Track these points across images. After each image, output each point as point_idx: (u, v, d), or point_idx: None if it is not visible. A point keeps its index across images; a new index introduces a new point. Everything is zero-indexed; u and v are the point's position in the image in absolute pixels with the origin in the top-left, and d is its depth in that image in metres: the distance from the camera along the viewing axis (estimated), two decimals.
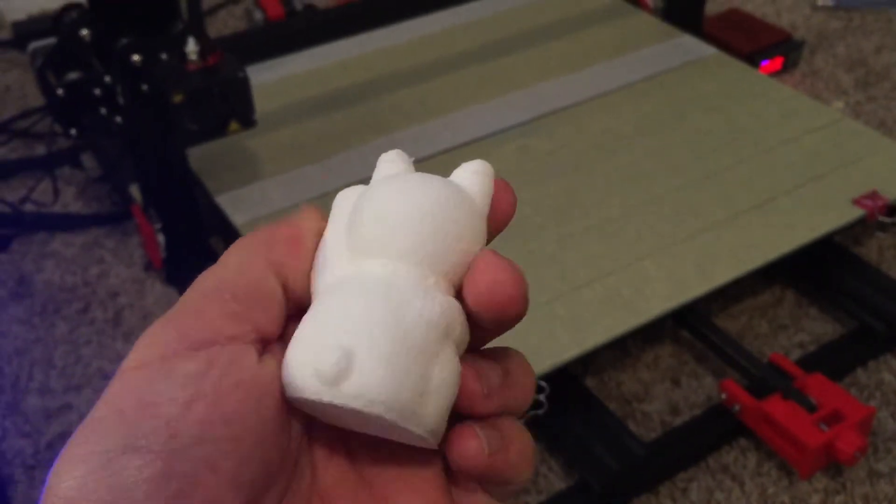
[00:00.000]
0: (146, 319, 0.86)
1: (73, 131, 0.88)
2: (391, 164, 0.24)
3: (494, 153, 0.92)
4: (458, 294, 0.22)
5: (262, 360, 0.21)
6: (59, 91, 0.83)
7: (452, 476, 0.23)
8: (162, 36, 0.77)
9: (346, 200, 0.24)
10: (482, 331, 0.23)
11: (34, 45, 0.90)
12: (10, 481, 0.72)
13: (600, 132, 0.97)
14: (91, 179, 1.03)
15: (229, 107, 0.77)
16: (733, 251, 0.80)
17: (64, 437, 0.75)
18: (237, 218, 0.85)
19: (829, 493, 0.69)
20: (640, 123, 0.98)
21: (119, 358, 0.82)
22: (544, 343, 0.72)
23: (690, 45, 1.12)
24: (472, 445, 0.22)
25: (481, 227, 0.23)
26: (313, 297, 0.23)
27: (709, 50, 1.11)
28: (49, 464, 0.73)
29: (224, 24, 1.34)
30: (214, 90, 0.75)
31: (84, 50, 0.82)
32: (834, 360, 0.78)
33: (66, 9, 0.83)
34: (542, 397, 0.69)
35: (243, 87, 0.77)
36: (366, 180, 0.24)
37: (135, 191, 0.89)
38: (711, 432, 0.73)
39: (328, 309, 0.22)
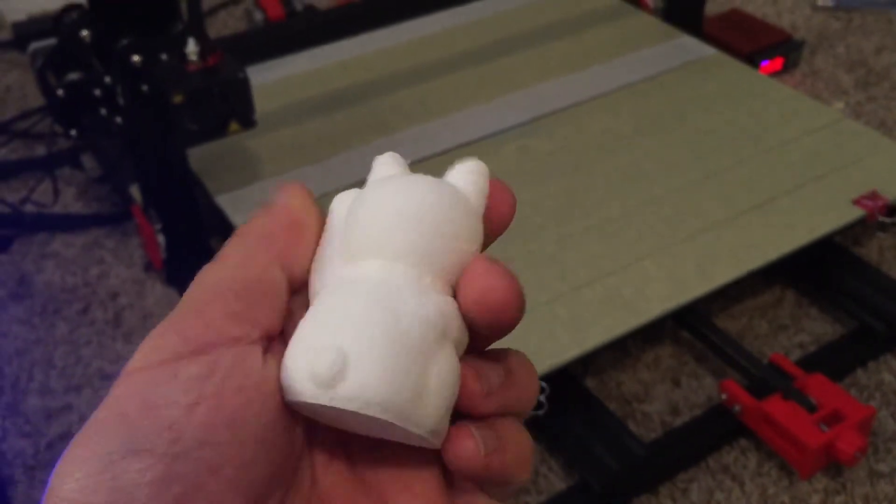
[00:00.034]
0: (146, 320, 0.86)
1: (73, 132, 0.88)
2: (386, 167, 0.24)
3: (494, 153, 0.92)
4: (456, 294, 0.22)
5: (265, 362, 0.21)
6: (60, 91, 0.84)
7: (451, 477, 0.23)
8: (162, 36, 0.77)
9: (342, 203, 0.24)
10: (478, 336, 0.23)
11: (34, 45, 0.90)
12: (10, 482, 0.72)
13: (600, 132, 0.97)
14: (91, 180, 1.03)
15: (229, 107, 0.77)
16: (733, 251, 0.80)
17: (64, 437, 0.75)
18: (237, 218, 0.85)
19: (829, 494, 0.69)
20: (640, 124, 0.98)
21: (119, 358, 0.82)
22: (544, 343, 0.72)
23: (690, 46, 1.12)
24: (467, 446, 0.22)
25: (477, 227, 0.23)
26: (311, 299, 0.23)
27: (709, 50, 1.11)
28: (49, 464, 0.73)
29: (224, 24, 1.34)
30: (214, 90, 0.75)
31: (84, 50, 0.82)
32: (834, 361, 0.78)
33: (66, 9, 0.83)
34: (542, 398, 0.69)
35: (243, 87, 0.77)
36: (366, 181, 0.24)
37: (135, 191, 0.89)
38: (712, 432, 0.73)
39: (323, 311, 0.22)
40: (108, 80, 0.82)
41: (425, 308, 0.21)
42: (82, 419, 0.77)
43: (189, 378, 0.20)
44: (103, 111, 0.84)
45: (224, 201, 0.88)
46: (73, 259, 0.94)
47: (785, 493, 0.70)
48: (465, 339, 0.22)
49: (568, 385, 0.75)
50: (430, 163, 0.86)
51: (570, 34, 1.15)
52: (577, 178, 0.91)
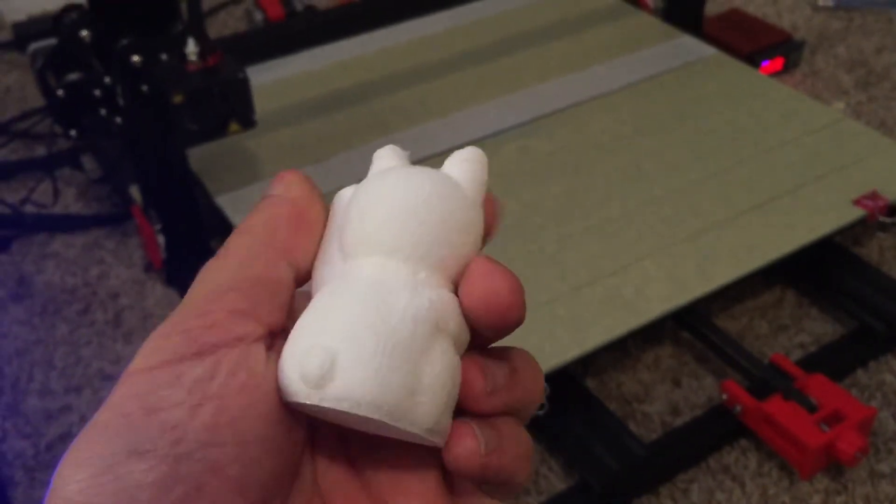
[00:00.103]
0: (146, 320, 0.86)
1: (73, 132, 0.88)
2: (385, 160, 0.24)
3: (494, 154, 0.92)
4: (458, 294, 0.22)
5: (268, 359, 0.21)
6: (60, 92, 0.84)
7: (451, 478, 0.23)
8: (162, 37, 0.77)
9: (341, 200, 0.24)
10: (479, 337, 0.22)
11: (34, 46, 0.90)
12: (10, 482, 0.72)
13: (600, 132, 0.97)
14: (91, 180, 1.03)
15: (229, 107, 0.77)
16: (734, 251, 0.80)
17: (64, 438, 0.75)
18: (237, 219, 0.85)
19: (829, 494, 0.69)
20: (641, 124, 0.98)
21: (119, 359, 0.82)
22: (544, 343, 0.72)
23: (691, 46, 1.12)
24: (467, 445, 0.21)
25: (473, 217, 0.22)
26: (312, 295, 0.23)
27: (709, 50, 1.11)
28: (49, 465, 0.73)
29: (224, 24, 1.34)
30: (214, 91, 0.75)
31: (84, 51, 0.82)
32: (834, 361, 0.78)
33: (66, 10, 0.83)
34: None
35: (243, 87, 0.77)
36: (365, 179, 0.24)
37: (135, 192, 0.89)
38: (712, 433, 0.73)
39: (316, 311, 0.21)
40: (107, 80, 0.82)
41: (417, 304, 0.21)
42: (82, 420, 0.77)
43: (192, 379, 0.20)
44: (103, 111, 0.84)
45: (224, 201, 0.88)
46: (73, 259, 0.94)
47: (785, 494, 0.69)
48: (465, 335, 0.22)
49: (568, 385, 0.75)
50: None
51: (570, 34, 1.15)
52: (578, 179, 0.91)
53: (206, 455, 0.19)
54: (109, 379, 0.81)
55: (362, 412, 0.20)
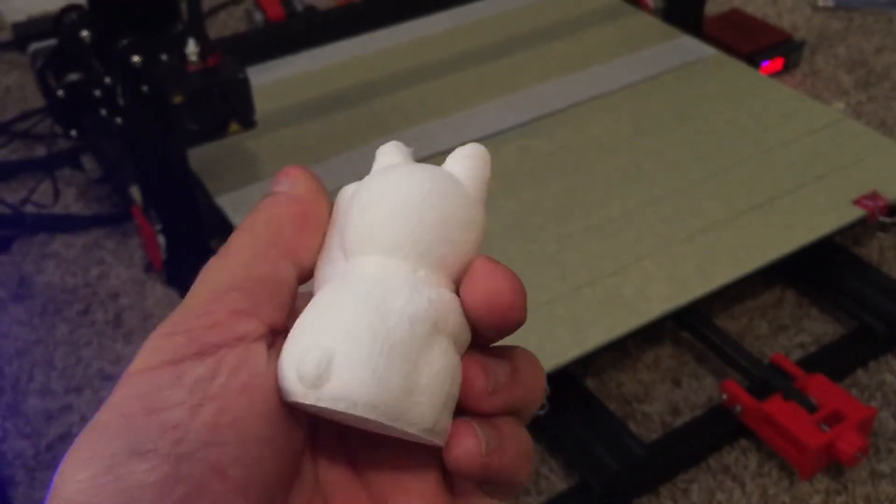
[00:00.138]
0: (147, 321, 0.86)
1: (73, 132, 0.88)
2: (389, 156, 0.24)
3: (495, 154, 0.91)
4: (459, 294, 0.22)
5: (269, 358, 0.21)
6: (60, 92, 0.84)
7: (451, 478, 0.23)
8: (162, 37, 0.77)
9: (344, 197, 0.23)
10: (481, 337, 0.22)
11: (34, 46, 0.90)
12: (10, 482, 0.72)
13: (600, 133, 0.97)
14: (91, 180, 1.03)
15: (229, 107, 0.77)
16: (734, 251, 0.80)
17: (64, 438, 0.75)
18: (237, 219, 0.85)
19: (830, 494, 0.69)
20: (641, 124, 0.98)
21: (119, 359, 0.82)
22: (544, 343, 0.72)
23: (691, 46, 1.12)
24: (468, 444, 0.21)
25: (473, 214, 0.22)
26: (314, 294, 0.23)
27: (709, 50, 1.11)
28: (50, 465, 0.73)
29: (224, 25, 1.34)
30: (214, 91, 0.75)
31: (84, 51, 0.82)
32: (835, 361, 0.78)
33: (66, 10, 0.83)
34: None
35: (243, 87, 0.77)
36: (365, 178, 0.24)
37: (135, 192, 0.89)
38: (712, 433, 0.73)
39: (314, 311, 0.21)
40: (108, 80, 0.82)
41: (416, 303, 0.21)
42: (83, 420, 0.77)
43: (193, 379, 0.20)
44: (103, 112, 0.84)
45: (224, 202, 0.88)
46: (73, 260, 0.94)
47: (786, 494, 0.69)
48: (466, 335, 0.22)
49: (568, 385, 0.75)
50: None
51: (570, 34, 1.15)
52: (578, 179, 0.91)
53: (208, 455, 0.19)
54: (110, 379, 0.81)
55: (359, 412, 0.20)
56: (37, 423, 0.77)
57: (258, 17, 1.26)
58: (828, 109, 1.00)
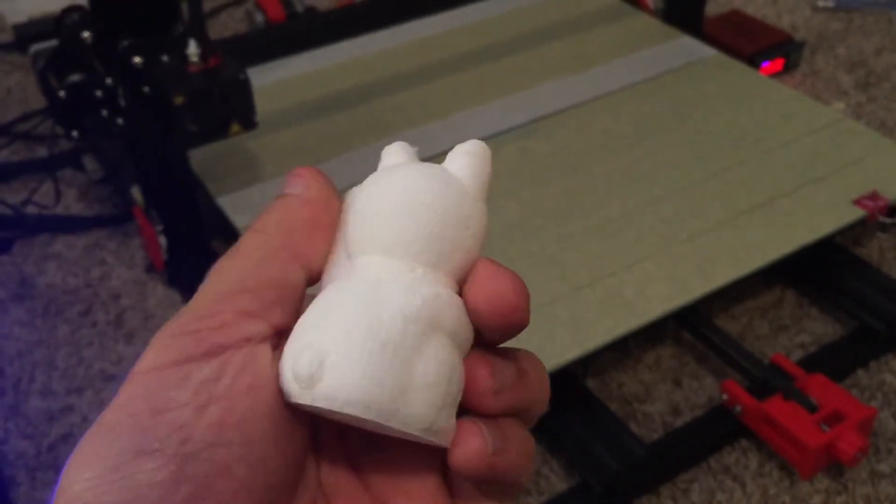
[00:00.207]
0: (148, 321, 0.86)
1: (74, 133, 0.88)
2: (393, 157, 0.24)
3: (495, 154, 0.91)
4: (463, 296, 0.22)
5: (273, 360, 0.21)
6: (61, 93, 0.84)
7: (451, 482, 0.23)
8: (163, 38, 0.77)
9: (351, 199, 0.24)
10: (484, 339, 0.22)
11: (36, 47, 0.90)
12: (12, 483, 0.72)
13: (601, 133, 0.97)
14: (92, 181, 1.03)
15: (230, 108, 0.77)
16: (734, 252, 0.81)
17: (66, 438, 0.75)
18: (238, 220, 0.85)
19: (830, 494, 0.69)
20: (641, 124, 0.99)
21: (121, 360, 0.82)
22: (545, 344, 0.72)
23: (691, 47, 1.12)
24: (473, 444, 0.21)
25: (471, 211, 0.22)
26: None
27: (709, 51, 1.11)
28: (51, 466, 0.73)
29: (224, 26, 1.34)
30: (215, 92, 0.75)
31: (85, 52, 0.82)
32: (835, 361, 0.78)
33: (67, 11, 0.83)
34: None
35: (244, 88, 0.77)
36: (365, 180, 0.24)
37: (136, 192, 0.89)
38: (713, 433, 0.73)
39: (312, 311, 0.22)
40: (109, 81, 0.82)
41: (409, 302, 0.21)
42: (84, 420, 0.77)
43: (199, 380, 0.20)
44: (104, 112, 0.84)
45: (225, 202, 0.88)
46: (74, 260, 0.94)
47: (786, 494, 0.70)
48: (467, 333, 0.22)
49: (569, 385, 0.75)
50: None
51: (570, 35, 1.15)
52: (578, 179, 0.91)
53: (213, 455, 0.19)
54: (111, 379, 0.81)
55: (352, 411, 0.20)
56: (38, 424, 0.77)
57: (259, 17, 1.26)
58: (828, 110, 1.00)
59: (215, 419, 0.20)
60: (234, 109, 0.77)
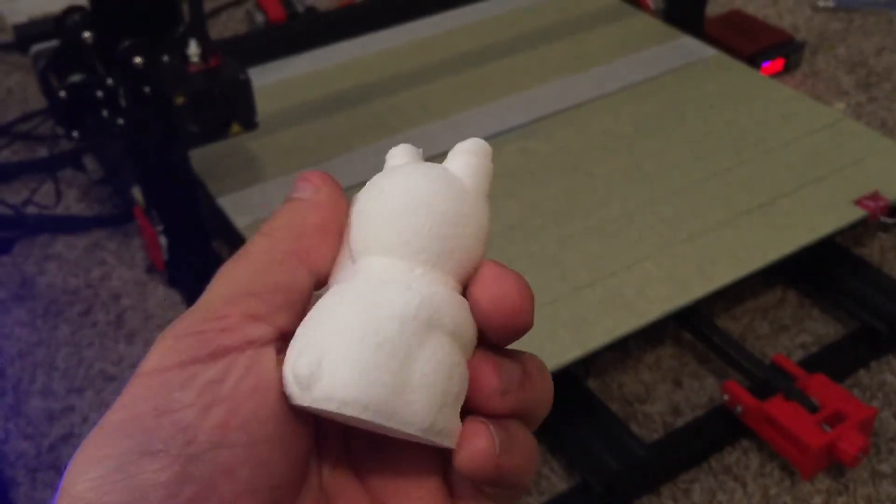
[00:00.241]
0: (148, 321, 0.86)
1: (75, 133, 0.88)
2: (396, 159, 0.24)
3: (495, 155, 0.91)
4: (468, 297, 0.22)
5: (277, 363, 0.21)
6: (62, 93, 0.84)
7: (451, 486, 0.23)
8: (164, 38, 0.77)
9: (356, 200, 0.24)
10: (489, 342, 0.22)
11: (36, 47, 0.90)
12: (12, 483, 0.72)
13: (601, 133, 0.97)
14: (93, 181, 1.03)
15: (231, 109, 0.77)
16: (734, 252, 0.80)
17: (66, 439, 0.75)
18: (239, 220, 0.86)
19: (831, 494, 0.69)
20: (641, 124, 0.99)
21: (121, 360, 0.82)
22: (546, 344, 0.72)
23: (691, 47, 1.12)
24: (482, 444, 0.21)
25: (471, 210, 0.22)
26: None
27: (710, 51, 1.11)
28: (51, 466, 0.73)
29: (225, 26, 1.34)
30: (216, 92, 0.75)
31: (86, 52, 0.82)
32: (836, 361, 0.78)
33: (68, 11, 0.83)
34: None
35: (245, 88, 0.77)
36: (367, 182, 0.24)
37: (137, 193, 0.89)
38: (713, 433, 0.73)
39: (313, 313, 0.22)
40: (109, 81, 0.82)
41: (406, 301, 0.21)
42: (85, 421, 0.77)
43: (204, 381, 0.20)
44: (105, 113, 0.84)
45: (226, 203, 0.88)
46: (75, 261, 0.94)
47: (787, 494, 0.70)
48: (470, 333, 0.22)
49: (569, 386, 0.75)
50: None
51: (570, 35, 1.15)
52: (578, 179, 0.91)
53: (217, 456, 0.20)
54: (111, 380, 0.81)
55: (350, 412, 0.20)
56: (39, 424, 0.77)
57: (259, 18, 1.26)
58: (828, 110, 1.00)
59: (219, 420, 0.20)
60: (235, 110, 0.77)
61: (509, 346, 0.23)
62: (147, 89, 0.76)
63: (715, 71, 1.07)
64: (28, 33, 1.25)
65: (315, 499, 0.22)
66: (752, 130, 0.97)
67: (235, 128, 0.79)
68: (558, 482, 0.71)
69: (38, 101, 1.13)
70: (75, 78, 0.83)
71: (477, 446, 0.21)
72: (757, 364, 0.75)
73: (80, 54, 0.82)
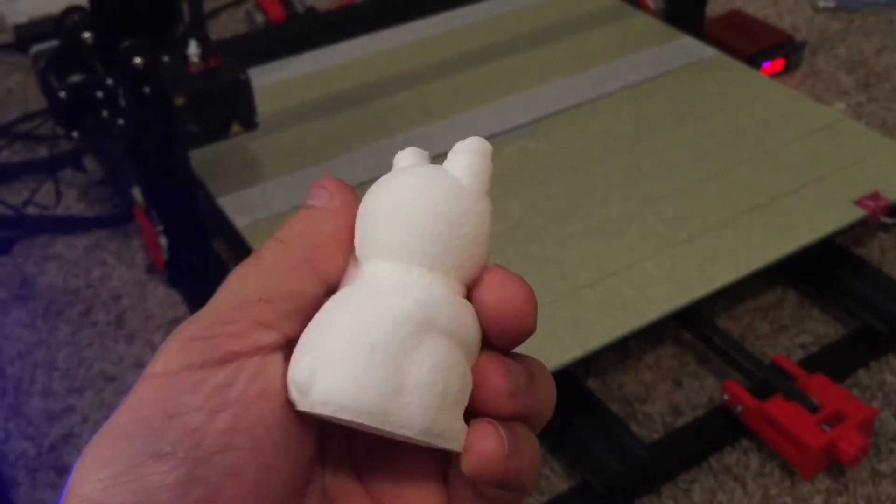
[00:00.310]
0: (148, 321, 0.86)
1: (75, 134, 0.88)
2: (404, 162, 0.24)
3: (495, 155, 0.91)
4: (472, 301, 0.22)
5: (285, 369, 0.21)
6: (62, 94, 0.84)
7: (453, 490, 0.23)
8: (164, 38, 0.77)
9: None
10: (492, 346, 0.22)
11: (36, 48, 0.90)
12: (12, 483, 0.72)
13: (601, 133, 0.97)
14: (93, 182, 1.03)
15: (231, 109, 0.77)
16: (735, 252, 0.81)
17: (66, 439, 0.75)
18: (239, 220, 0.86)
19: (831, 494, 0.69)
20: (641, 124, 0.99)
21: (121, 360, 0.82)
22: (546, 344, 0.72)
23: (691, 47, 1.12)
24: (491, 445, 0.21)
25: (469, 209, 0.22)
26: None
27: (710, 51, 1.11)
28: (52, 466, 0.73)
29: (225, 26, 1.34)
30: (216, 92, 0.75)
31: (86, 53, 0.82)
32: (836, 361, 0.78)
33: (67, 12, 0.83)
34: None
35: (245, 89, 0.77)
36: (367, 182, 0.24)
37: (137, 193, 0.89)
38: (713, 433, 0.73)
39: (315, 319, 0.22)
40: (109, 81, 0.82)
41: (400, 304, 0.21)
42: (85, 421, 0.77)
43: (212, 386, 0.20)
44: (105, 113, 0.84)
45: (226, 203, 0.88)
46: (75, 261, 0.94)
47: (787, 494, 0.70)
48: (470, 334, 0.21)
49: (569, 386, 0.75)
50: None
51: (570, 35, 1.15)
52: (578, 179, 0.91)
53: (224, 459, 0.20)
54: (111, 380, 0.81)
55: (346, 415, 0.20)
56: (39, 424, 0.77)
57: (259, 18, 1.26)
58: (828, 110, 1.00)
59: (227, 424, 0.20)
60: (235, 110, 0.77)
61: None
62: (147, 89, 0.76)
63: (715, 71, 1.07)
64: (28, 33, 1.25)
65: (318, 501, 0.23)
66: (752, 130, 0.97)
67: (235, 128, 0.79)
68: (558, 482, 0.71)
69: (38, 101, 1.13)
70: (75, 78, 0.83)
71: (486, 447, 0.21)
72: (757, 364, 0.75)
73: (80, 54, 0.82)
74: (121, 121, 0.83)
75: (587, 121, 0.99)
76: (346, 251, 0.23)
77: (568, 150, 0.95)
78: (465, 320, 0.21)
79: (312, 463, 0.22)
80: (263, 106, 0.82)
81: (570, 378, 0.75)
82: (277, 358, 0.21)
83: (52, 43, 0.86)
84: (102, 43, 0.81)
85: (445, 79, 1.07)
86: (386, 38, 1.15)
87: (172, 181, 0.83)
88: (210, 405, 0.20)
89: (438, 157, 0.24)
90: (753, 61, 1.13)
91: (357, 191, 0.24)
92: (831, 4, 1.32)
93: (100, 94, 0.83)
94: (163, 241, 0.85)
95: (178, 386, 0.20)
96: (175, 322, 0.85)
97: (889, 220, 0.88)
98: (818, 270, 0.86)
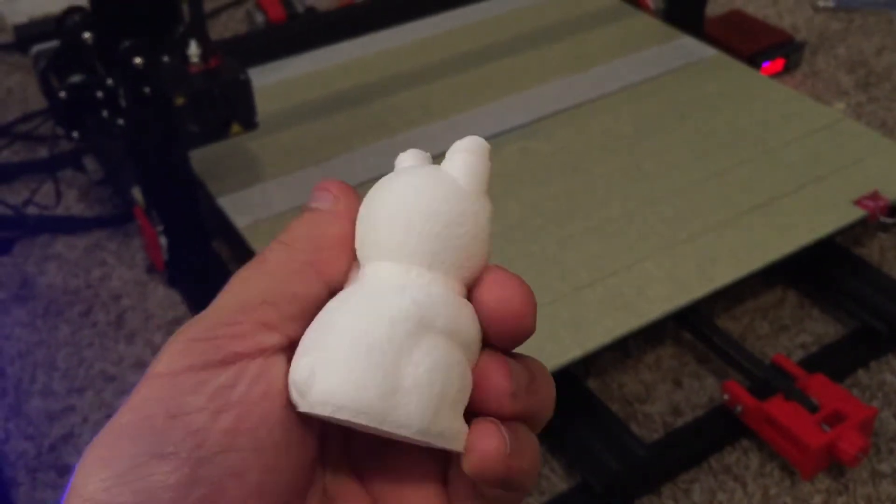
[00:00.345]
0: (148, 321, 0.86)
1: (75, 134, 0.88)
2: (404, 164, 0.24)
3: (495, 155, 0.91)
4: (472, 301, 0.22)
5: (287, 370, 0.21)
6: (62, 94, 0.84)
7: (452, 492, 0.23)
8: (164, 38, 0.77)
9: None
10: (492, 347, 0.22)
11: (37, 48, 0.90)
12: (12, 483, 0.72)
13: (601, 133, 0.97)
14: (93, 182, 1.03)
15: (231, 109, 0.77)
16: (734, 252, 0.81)
17: (66, 439, 0.75)
18: (239, 220, 0.86)
19: (831, 494, 0.69)
20: (641, 124, 0.99)
21: (121, 360, 0.83)
22: (546, 344, 0.72)
23: (691, 47, 1.12)
24: (493, 444, 0.21)
25: (467, 209, 0.22)
26: None
27: (710, 51, 1.11)
28: (52, 466, 0.73)
29: (225, 26, 1.34)
30: (216, 92, 0.75)
31: (86, 53, 0.82)
32: (836, 361, 0.78)
33: (68, 12, 0.83)
34: None
35: (245, 89, 0.77)
36: (367, 182, 0.24)
37: (137, 193, 0.89)
38: (713, 433, 0.73)
39: (315, 321, 0.22)
40: (110, 82, 0.82)
41: (397, 304, 0.21)
42: (85, 421, 0.77)
43: (215, 387, 0.20)
44: (105, 113, 0.84)
45: (226, 203, 0.88)
46: (75, 261, 0.94)
47: (787, 494, 0.70)
48: (470, 333, 0.21)
49: (569, 386, 0.75)
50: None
51: (570, 35, 1.15)
52: (578, 179, 0.91)
53: (226, 460, 0.20)
54: (112, 380, 0.81)
55: (344, 416, 0.20)
56: (39, 424, 0.77)
57: (259, 18, 1.26)
58: (828, 110, 1.00)
59: (229, 425, 0.20)
60: (235, 110, 0.77)
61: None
62: (147, 90, 0.76)
63: (715, 71, 1.07)
64: (28, 34, 1.25)
65: (319, 502, 0.23)
66: (752, 130, 0.97)
67: (235, 128, 0.79)
68: (558, 482, 0.71)
69: (38, 101, 1.13)
70: (75, 78, 0.83)
71: (488, 447, 0.21)
72: (757, 364, 0.75)
73: (80, 55, 0.82)
74: (121, 121, 0.83)
75: (587, 121, 0.99)
76: (350, 254, 0.23)
77: (568, 150, 0.95)
78: (465, 320, 0.21)
79: (314, 464, 0.23)
80: (263, 106, 0.82)
81: (570, 378, 0.75)
82: (280, 360, 0.21)
83: (53, 43, 0.86)
84: (103, 43, 0.81)
85: (445, 79, 1.07)
86: (386, 38, 1.16)
87: (172, 181, 0.83)
88: (213, 406, 0.20)
89: (439, 158, 0.24)
90: (753, 61, 1.13)
91: (357, 191, 0.24)
92: (831, 4, 1.32)
93: (100, 94, 0.83)
94: (163, 241, 0.85)
95: (180, 386, 0.20)
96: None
97: (889, 220, 0.88)
98: (818, 270, 0.86)
